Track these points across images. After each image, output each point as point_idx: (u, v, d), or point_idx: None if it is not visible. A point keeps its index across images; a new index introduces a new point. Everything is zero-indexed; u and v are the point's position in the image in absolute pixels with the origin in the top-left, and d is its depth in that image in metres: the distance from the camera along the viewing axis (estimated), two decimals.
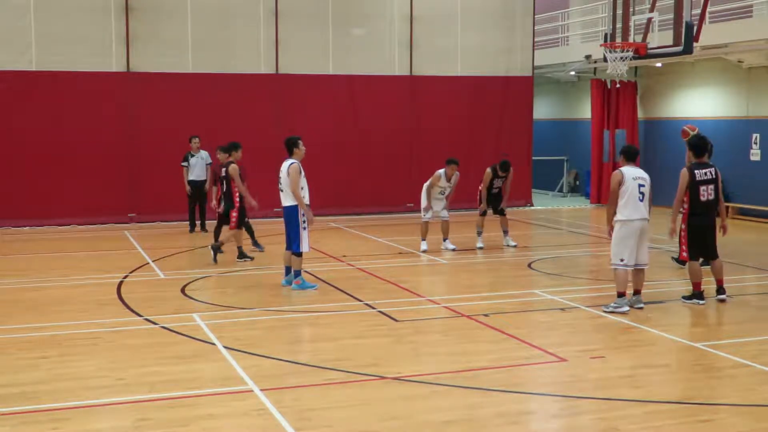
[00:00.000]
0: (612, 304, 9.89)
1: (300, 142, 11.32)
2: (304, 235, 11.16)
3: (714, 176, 10.21)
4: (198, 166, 17.07)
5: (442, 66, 21.30)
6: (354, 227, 18.14)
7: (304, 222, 11.14)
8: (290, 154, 11.24)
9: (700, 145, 10.39)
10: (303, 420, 6.38)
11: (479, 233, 15.03)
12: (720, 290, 10.49)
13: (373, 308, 10.22)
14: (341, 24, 20.46)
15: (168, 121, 18.85)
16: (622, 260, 9.86)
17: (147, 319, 9.67)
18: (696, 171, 10.19)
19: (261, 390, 7.04)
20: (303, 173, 11.13)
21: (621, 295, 9.89)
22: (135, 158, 18.95)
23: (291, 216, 11.20)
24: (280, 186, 11.25)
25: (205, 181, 17.10)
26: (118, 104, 18.85)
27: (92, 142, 18.63)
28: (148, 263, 13.58)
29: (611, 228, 10.05)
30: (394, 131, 20.90)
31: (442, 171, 14.56)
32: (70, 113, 18.52)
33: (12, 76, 18.20)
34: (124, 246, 15.64)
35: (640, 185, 9.87)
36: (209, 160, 17.15)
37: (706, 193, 10.15)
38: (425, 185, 14.75)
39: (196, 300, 10.80)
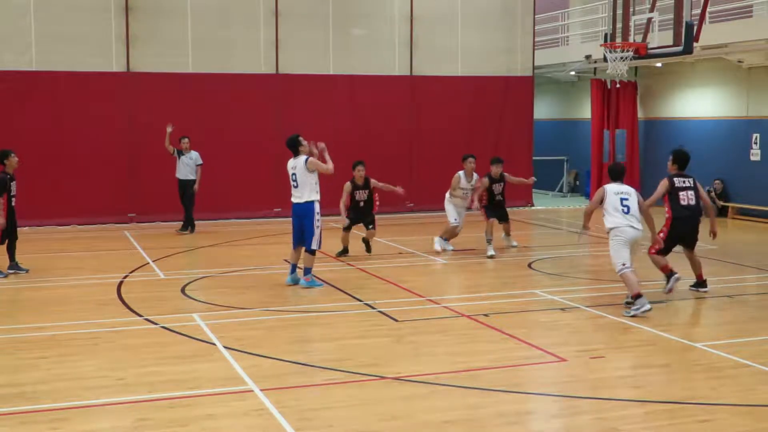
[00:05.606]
0: (633, 309, 9.77)
1: (301, 138, 11.52)
2: (318, 233, 11.24)
3: (692, 184, 10.81)
4: (186, 166, 17.09)
5: (442, 66, 21.29)
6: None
7: (318, 220, 11.22)
8: (296, 154, 11.43)
9: (685, 159, 10.98)
10: (303, 420, 6.38)
11: (489, 241, 14.24)
12: (702, 284, 11.01)
13: (374, 308, 10.22)
14: (341, 24, 20.45)
15: (168, 121, 18.78)
16: (624, 264, 9.89)
17: (147, 319, 9.67)
18: (675, 179, 10.82)
19: (261, 390, 7.04)
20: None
21: (638, 296, 9.80)
22: (135, 158, 18.94)
23: (307, 212, 11.27)
24: (294, 183, 11.34)
25: (194, 181, 17.13)
26: (118, 104, 18.84)
27: (92, 142, 18.62)
28: (148, 263, 13.58)
29: (586, 227, 10.71)
30: (394, 131, 20.88)
31: (460, 172, 14.40)
32: (70, 113, 18.51)
33: (12, 76, 18.19)
34: (124, 246, 15.64)
35: (623, 199, 10.09)
36: (199, 161, 17.19)
37: (686, 198, 10.70)
38: (446, 195, 14.60)
39: (196, 300, 10.81)
